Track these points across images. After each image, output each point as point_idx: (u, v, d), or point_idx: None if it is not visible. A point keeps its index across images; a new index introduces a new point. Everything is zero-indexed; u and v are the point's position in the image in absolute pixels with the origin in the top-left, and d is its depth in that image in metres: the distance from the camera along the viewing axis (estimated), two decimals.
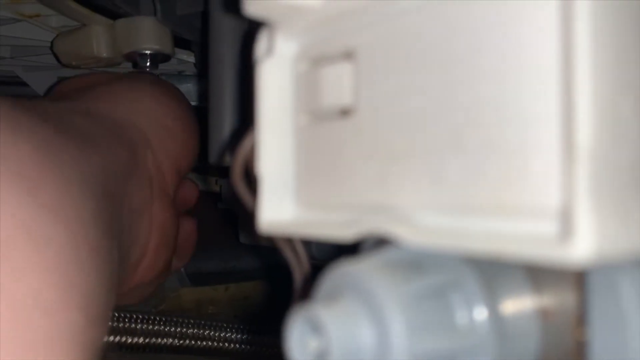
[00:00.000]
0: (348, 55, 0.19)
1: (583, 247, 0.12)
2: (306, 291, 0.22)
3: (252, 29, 0.22)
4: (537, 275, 0.17)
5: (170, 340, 0.42)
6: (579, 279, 0.16)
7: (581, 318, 0.16)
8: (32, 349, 0.19)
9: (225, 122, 0.29)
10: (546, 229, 0.13)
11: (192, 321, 0.43)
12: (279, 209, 0.21)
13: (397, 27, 0.17)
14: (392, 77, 0.17)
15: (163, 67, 0.50)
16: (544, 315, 0.17)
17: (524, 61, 0.14)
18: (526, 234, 0.14)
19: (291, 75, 0.21)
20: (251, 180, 0.22)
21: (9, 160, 0.20)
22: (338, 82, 0.19)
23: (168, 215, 0.33)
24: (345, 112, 0.19)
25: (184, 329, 0.43)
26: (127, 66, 0.49)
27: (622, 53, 0.13)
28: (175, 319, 0.43)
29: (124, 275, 0.29)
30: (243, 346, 0.44)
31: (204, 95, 0.48)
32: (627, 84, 0.13)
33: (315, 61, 0.20)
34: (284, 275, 0.25)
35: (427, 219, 0.16)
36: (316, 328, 0.15)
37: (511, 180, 0.14)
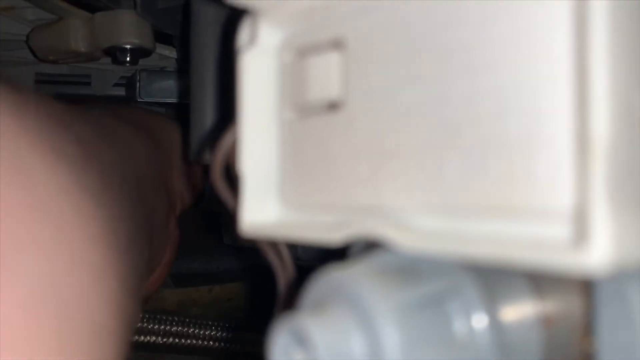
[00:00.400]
0: (337, 44, 0.17)
1: (600, 253, 0.11)
2: (291, 298, 0.21)
3: (234, 17, 0.20)
4: (539, 280, 0.16)
5: (154, 338, 0.41)
6: (585, 285, 0.15)
7: (588, 327, 0.15)
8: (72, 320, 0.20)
9: (207, 117, 0.27)
10: (556, 233, 0.12)
11: (175, 319, 0.42)
12: (262, 210, 0.20)
13: (390, 14, 0.16)
14: (385, 68, 0.16)
15: (144, 63, 0.48)
16: (547, 323, 0.16)
17: (530, 50, 0.13)
18: (533, 239, 0.12)
19: (275, 67, 0.19)
20: (233, 179, 0.21)
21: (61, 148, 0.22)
22: (326, 74, 0.18)
23: (177, 233, 0.35)
24: (333, 106, 0.18)
25: (167, 327, 0.42)
26: (107, 61, 0.48)
27: (638, 44, 0.12)
28: (158, 317, 0.42)
29: (151, 271, 0.31)
30: (227, 345, 0.43)
31: (186, 91, 0.47)
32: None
33: (301, 51, 0.19)
34: (269, 276, 0.23)
35: (423, 221, 0.15)
36: (302, 340, 0.14)
37: (516, 179, 0.13)
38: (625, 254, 0.11)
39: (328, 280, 0.15)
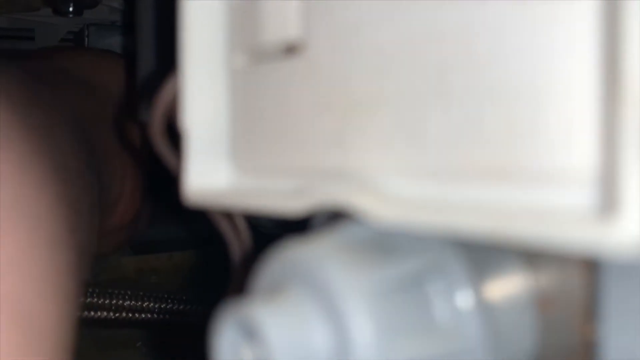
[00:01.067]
0: None
1: (633, 225, 0.08)
2: (247, 275, 0.18)
3: None
4: (533, 255, 0.13)
5: (105, 313, 0.39)
6: (588, 261, 0.13)
7: (590, 310, 0.13)
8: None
9: (151, 68, 0.24)
10: (573, 200, 0.09)
11: (128, 292, 0.40)
12: (210, 174, 0.17)
13: None
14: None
15: (93, 16, 0.45)
16: (542, 305, 0.13)
17: None
18: (542, 208, 0.10)
19: (224, 2, 0.16)
20: (176, 137, 0.18)
21: None
22: (283, 9, 0.15)
23: (137, 163, 0.35)
24: (292, 49, 0.15)
25: (120, 301, 0.40)
26: (47, 12, 0.44)
27: None
28: (109, 291, 0.40)
29: (105, 210, 0.31)
30: (182, 318, 0.41)
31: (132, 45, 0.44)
32: None
33: None
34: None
35: (401, 187, 0.12)
36: (252, 334, 0.11)
37: (519, 134, 0.10)
38: None
39: (284, 259, 0.12)
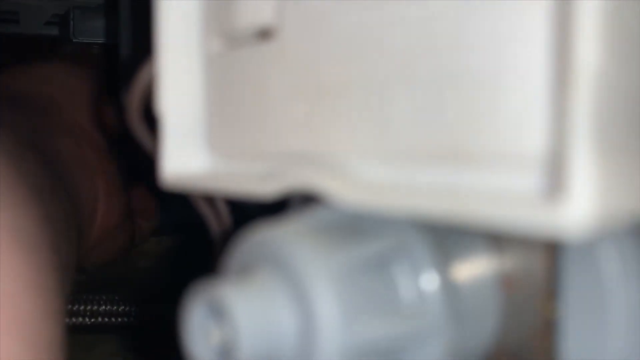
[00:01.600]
0: None
1: (579, 207, 0.09)
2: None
3: None
4: (498, 237, 0.14)
5: (81, 319, 0.39)
6: (550, 243, 0.13)
7: (551, 290, 0.13)
8: None
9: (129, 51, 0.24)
10: (525, 184, 0.10)
11: (104, 297, 0.40)
12: (186, 158, 0.17)
13: None
14: None
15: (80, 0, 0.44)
16: (506, 285, 0.14)
17: None
18: (497, 191, 0.10)
19: None
20: (154, 121, 0.18)
21: None
22: None
23: (106, 163, 0.34)
24: (265, 34, 0.15)
25: (95, 307, 0.40)
26: None
27: None
28: (84, 297, 0.40)
29: (84, 223, 0.31)
30: (157, 320, 0.41)
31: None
32: None
33: None
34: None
35: (367, 170, 0.13)
36: (220, 313, 0.11)
37: (477, 119, 0.10)
38: (611, 209, 0.09)
39: (254, 242, 0.12)
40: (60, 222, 0.25)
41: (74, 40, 0.45)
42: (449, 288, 0.13)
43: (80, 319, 0.39)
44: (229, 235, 0.20)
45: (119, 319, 0.40)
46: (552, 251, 0.13)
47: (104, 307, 0.40)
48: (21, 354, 0.18)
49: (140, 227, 0.41)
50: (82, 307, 0.40)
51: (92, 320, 0.40)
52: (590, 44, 0.08)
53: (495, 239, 0.14)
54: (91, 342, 0.41)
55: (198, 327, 0.12)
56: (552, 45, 0.09)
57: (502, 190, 0.10)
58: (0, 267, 0.19)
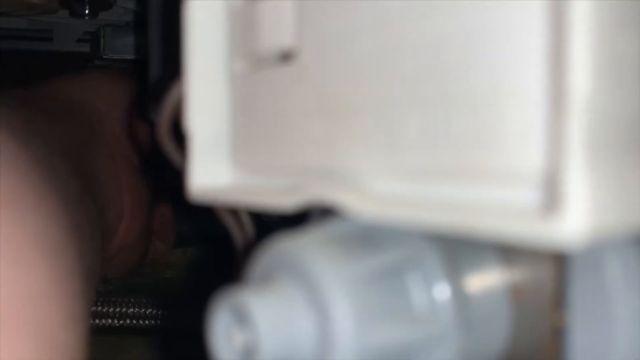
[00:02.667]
0: None
1: (574, 221, 0.09)
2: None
3: None
4: (507, 248, 0.14)
5: (110, 321, 0.40)
6: (558, 254, 0.14)
7: (559, 300, 0.14)
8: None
9: (159, 71, 0.25)
10: (525, 199, 0.10)
11: (132, 300, 0.41)
12: (212, 173, 0.18)
13: None
14: (341, 11, 0.14)
15: (109, 17, 0.46)
16: (515, 295, 0.14)
17: None
18: (499, 205, 0.11)
19: (224, 12, 0.17)
20: (182, 137, 0.19)
21: None
22: (278, 19, 0.16)
23: (135, 178, 0.36)
24: (286, 56, 0.16)
25: (123, 309, 0.41)
26: (64, 14, 0.45)
27: None
28: (113, 299, 0.41)
29: (106, 234, 0.32)
30: (181, 324, 0.42)
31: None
32: (626, 15, 0.10)
33: None
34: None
35: (381, 185, 0.13)
36: (243, 318, 0.12)
37: (481, 138, 0.11)
38: (604, 223, 0.09)
39: (275, 251, 0.13)
40: (87, 230, 0.26)
41: (103, 57, 0.47)
42: (460, 298, 0.14)
43: (110, 321, 0.40)
44: (252, 246, 0.21)
45: (147, 322, 0.41)
46: (559, 262, 0.14)
47: (132, 309, 0.41)
48: (36, 357, 0.19)
49: (155, 247, 0.42)
50: (110, 309, 0.41)
51: (121, 322, 0.41)
52: (582, 70, 0.09)
53: (504, 250, 0.14)
54: (120, 344, 0.42)
55: (222, 331, 0.13)
56: (548, 71, 0.10)
57: (504, 204, 0.11)
58: (22, 272, 0.20)
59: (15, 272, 0.19)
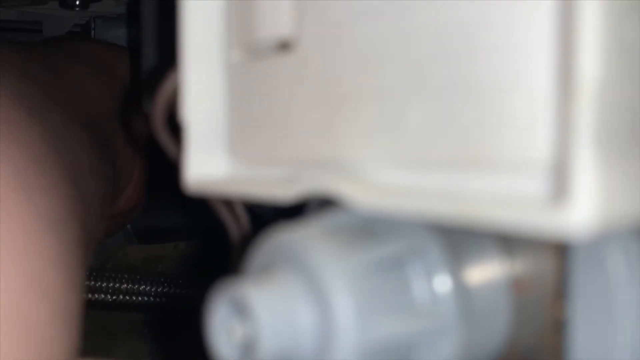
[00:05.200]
0: None
1: (582, 211, 0.09)
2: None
3: None
4: (509, 240, 0.14)
5: (103, 296, 0.40)
6: (560, 246, 0.14)
7: (560, 292, 0.14)
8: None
9: (154, 61, 0.25)
10: (531, 189, 0.10)
11: (126, 276, 0.41)
12: (208, 164, 0.18)
13: None
14: None
15: (99, 9, 0.45)
16: (517, 288, 0.14)
17: None
18: (504, 195, 0.11)
19: (221, 0, 0.17)
20: (177, 128, 0.18)
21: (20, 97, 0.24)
22: (276, 7, 0.15)
23: (143, 148, 0.37)
24: (285, 46, 0.16)
25: (118, 284, 0.41)
26: (54, 5, 0.45)
27: None
28: (107, 274, 0.41)
29: (114, 196, 0.34)
30: (177, 302, 0.42)
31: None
32: (636, 1, 0.10)
33: None
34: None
35: (382, 175, 0.13)
36: (242, 311, 0.12)
37: (486, 127, 0.11)
38: (612, 213, 0.09)
39: (274, 243, 0.13)
40: (93, 198, 0.27)
41: None
42: (461, 290, 0.14)
43: (102, 296, 0.41)
44: (247, 239, 0.21)
45: (140, 298, 0.42)
46: (561, 253, 0.14)
47: (125, 285, 0.41)
48: (50, 319, 0.21)
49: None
50: (104, 284, 0.40)
51: (114, 297, 0.41)
52: (591, 57, 0.09)
53: (506, 242, 0.14)
54: (116, 321, 0.42)
55: (221, 324, 0.13)
56: (556, 58, 0.10)
57: (510, 194, 0.11)
58: (32, 246, 0.21)
59: (25, 243, 0.20)
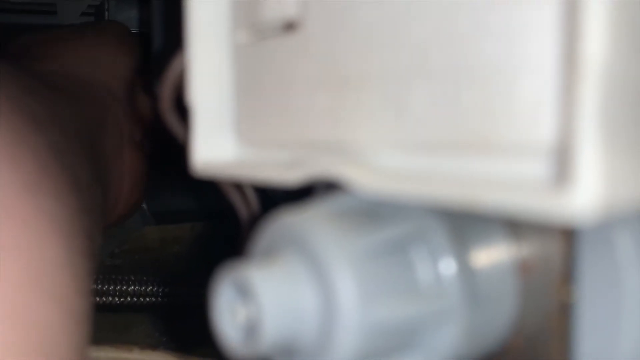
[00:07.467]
0: None
1: (586, 195, 0.09)
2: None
3: None
4: (516, 223, 0.14)
5: (110, 299, 0.40)
6: (566, 229, 0.13)
7: (567, 275, 0.14)
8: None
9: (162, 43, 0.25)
10: (535, 172, 0.10)
11: (132, 278, 0.41)
12: (215, 147, 0.18)
13: None
14: None
15: None
16: (523, 270, 0.14)
17: None
18: (508, 178, 0.11)
19: None
20: (185, 111, 0.18)
21: None
22: None
23: (137, 158, 0.37)
24: (290, 26, 0.15)
25: (124, 287, 0.42)
26: None
27: None
28: (113, 277, 0.42)
29: (107, 207, 0.34)
30: (185, 300, 0.42)
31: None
32: None
33: None
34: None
35: (387, 159, 0.13)
36: (246, 293, 0.12)
37: (491, 109, 0.11)
38: (617, 197, 0.09)
39: (278, 226, 0.13)
40: (94, 211, 0.27)
41: None
42: (466, 273, 0.14)
43: (110, 299, 0.41)
44: (257, 221, 0.21)
45: (148, 299, 0.42)
46: (568, 236, 0.13)
47: (132, 287, 0.41)
48: (63, 322, 0.21)
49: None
50: (111, 287, 0.41)
51: (122, 299, 0.41)
52: (596, 38, 0.09)
53: (512, 225, 0.14)
54: (126, 322, 0.43)
55: (225, 306, 0.13)
56: (561, 39, 0.10)
57: (513, 177, 0.10)
58: (44, 252, 0.21)
59: (36, 248, 0.21)
